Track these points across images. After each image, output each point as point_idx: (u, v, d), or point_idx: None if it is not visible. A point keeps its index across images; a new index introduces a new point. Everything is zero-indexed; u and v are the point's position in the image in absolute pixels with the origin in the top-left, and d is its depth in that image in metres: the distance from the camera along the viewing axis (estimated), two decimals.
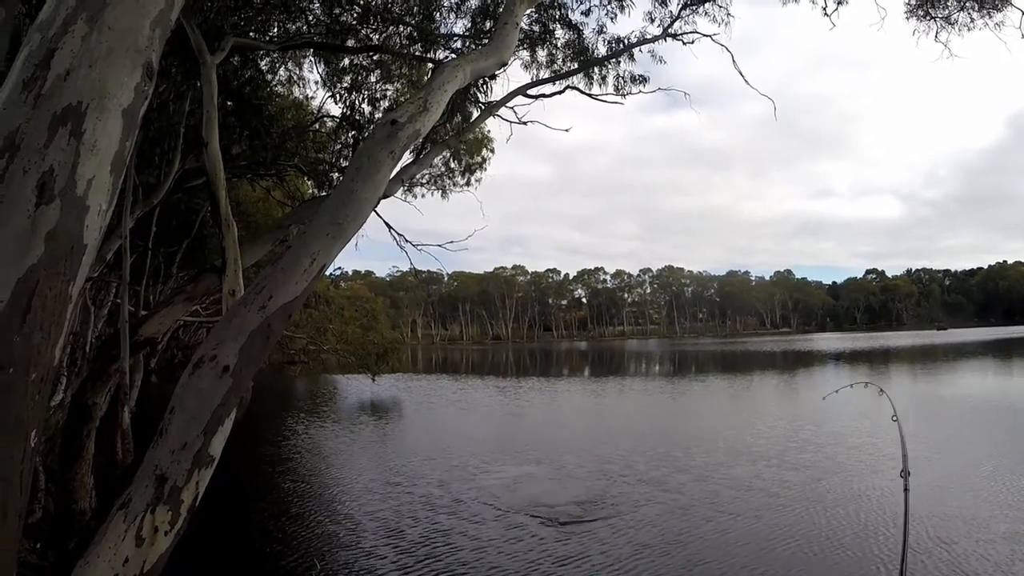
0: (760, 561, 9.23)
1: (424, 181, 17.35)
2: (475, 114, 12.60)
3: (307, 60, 13.79)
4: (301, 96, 15.40)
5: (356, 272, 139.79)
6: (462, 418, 26.33)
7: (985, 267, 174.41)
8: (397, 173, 10.04)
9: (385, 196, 9.89)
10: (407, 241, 14.66)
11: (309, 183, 16.66)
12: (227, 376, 2.42)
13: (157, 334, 9.11)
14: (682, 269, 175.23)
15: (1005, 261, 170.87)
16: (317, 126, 15.17)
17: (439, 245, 15.02)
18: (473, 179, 17.49)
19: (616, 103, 12.88)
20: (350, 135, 13.77)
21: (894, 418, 3.56)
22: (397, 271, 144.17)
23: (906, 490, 3.23)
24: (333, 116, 14.60)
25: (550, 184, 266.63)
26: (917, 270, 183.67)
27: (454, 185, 17.63)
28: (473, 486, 13.79)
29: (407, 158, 11.38)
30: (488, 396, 34.37)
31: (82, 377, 10.02)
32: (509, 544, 10.12)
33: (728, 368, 50.40)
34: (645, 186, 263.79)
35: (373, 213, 12.28)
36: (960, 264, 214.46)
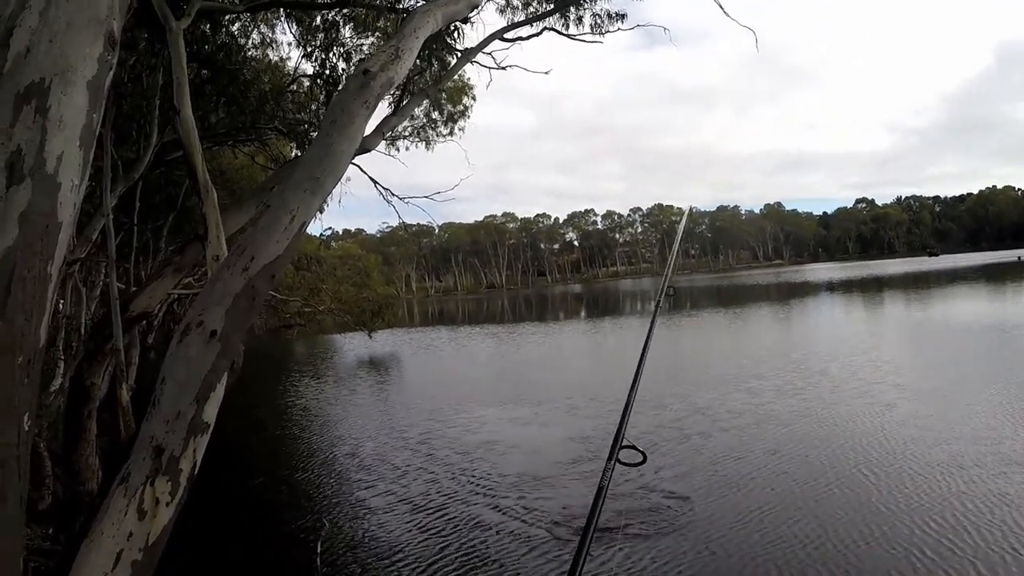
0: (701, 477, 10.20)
1: (407, 134, 17.23)
2: (452, 62, 12.41)
3: (279, 22, 13.55)
4: (276, 58, 15.14)
5: (346, 231, 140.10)
6: (458, 367, 26.86)
7: (975, 193, 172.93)
8: (378, 126, 9.93)
9: (367, 150, 9.77)
10: (394, 195, 14.63)
11: (291, 145, 16.47)
12: (215, 341, 2.41)
13: (149, 308, 9.06)
14: (672, 207, 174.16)
15: (995, 186, 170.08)
16: (295, 87, 14.94)
17: (426, 197, 14.98)
18: (456, 128, 17.34)
19: (595, 43, 12.63)
20: (325, 93, 13.59)
21: None
22: (387, 227, 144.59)
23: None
24: (310, 75, 14.39)
25: (534, 130, 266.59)
26: (907, 198, 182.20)
27: (437, 136, 17.49)
28: (466, 433, 14.32)
29: (386, 110, 11.24)
30: (484, 344, 34.89)
31: (78, 359, 10.02)
32: (487, 483, 10.71)
33: (722, 302, 50.73)
34: (629, 127, 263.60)
35: (358, 169, 12.22)
36: (950, 190, 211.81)
